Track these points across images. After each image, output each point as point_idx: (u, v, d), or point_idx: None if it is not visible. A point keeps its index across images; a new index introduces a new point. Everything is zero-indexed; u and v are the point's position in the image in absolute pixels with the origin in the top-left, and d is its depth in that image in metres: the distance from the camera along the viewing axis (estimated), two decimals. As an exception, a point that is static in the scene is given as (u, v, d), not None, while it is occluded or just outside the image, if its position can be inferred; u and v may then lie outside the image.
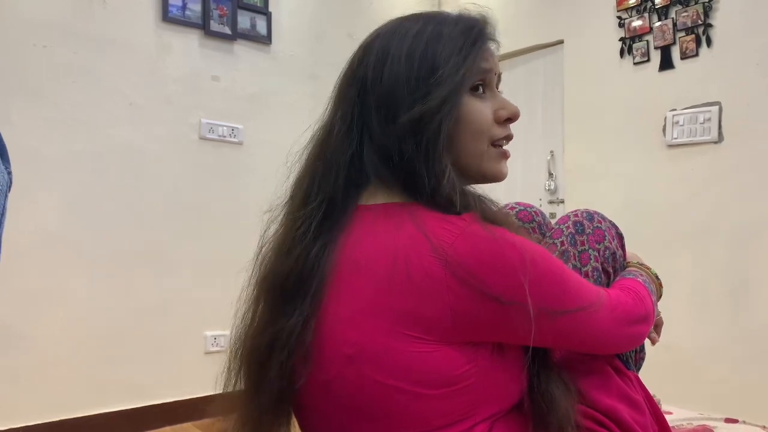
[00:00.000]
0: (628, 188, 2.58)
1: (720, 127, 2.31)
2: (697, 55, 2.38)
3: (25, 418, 2.16)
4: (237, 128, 2.69)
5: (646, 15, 2.53)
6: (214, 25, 2.62)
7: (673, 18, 2.44)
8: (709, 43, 2.35)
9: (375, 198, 0.77)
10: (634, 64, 2.58)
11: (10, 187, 1.26)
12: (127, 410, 2.38)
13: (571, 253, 1.00)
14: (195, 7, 2.57)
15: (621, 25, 2.62)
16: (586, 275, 0.99)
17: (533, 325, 0.67)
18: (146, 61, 2.46)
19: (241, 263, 3.03)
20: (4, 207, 1.17)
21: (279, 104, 2.85)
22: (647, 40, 2.53)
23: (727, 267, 2.29)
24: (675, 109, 2.43)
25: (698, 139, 2.36)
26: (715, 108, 2.32)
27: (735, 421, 1.95)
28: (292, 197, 0.88)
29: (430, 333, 0.66)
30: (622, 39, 2.62)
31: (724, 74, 2.30)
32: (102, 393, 2.34)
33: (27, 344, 2.18)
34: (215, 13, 2.62)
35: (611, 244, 1.04)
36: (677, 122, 2.42)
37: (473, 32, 0.78)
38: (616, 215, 2.66)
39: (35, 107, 2.21)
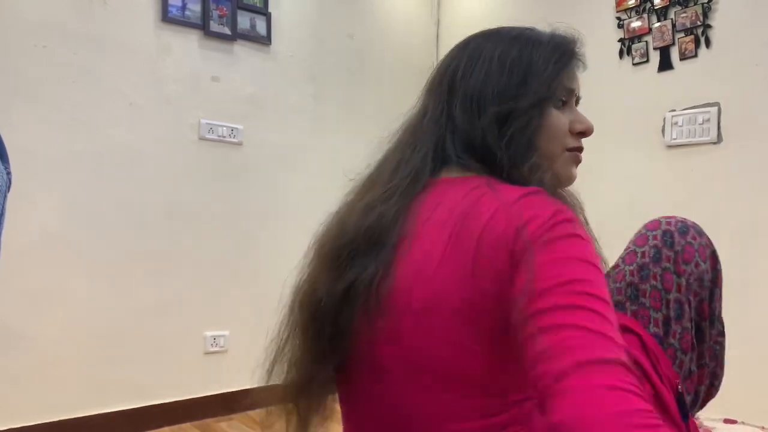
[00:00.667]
0: (628, 189, 2.58)
1: (719, 127, 2.31)
2: (696, 56, 2.38)
3: (24, 419, 2.17)
4: (236, 129, 2.70)
5: (645, 16, 2.53)
6: (214, 26, 2.62)
7: (672, 19, 2.44)
8: (708, 43, 2.35)
9: (453, 174, 0.82)
10: (633, 64, 2.58)
11: (9, 187, 1.26)
12: (126, 410, 2.38)
13: (652, 272, 0.93)
14: (195, 8, 2.57)
15: (620, 26, 2.62)
16: (668, 305, 0.93)
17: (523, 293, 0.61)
18: (146, 61, 2.46)
19: (242, 263, 3.04)
20: (3, 207, 1.17)
21: (279, 105, 2.85)
22: (646, 41, 2.54)
23: (726, 268, 2.28)
24: (674, 110, 2.44)
25: (697, 139, 2.36)
26: (714, 109, 2.32)
27: (734, 421, 1.95)
28: (379, 171, 0.91)
29: (496, 282, 0.65)
30: (621, 40, 2.62)
31: (723, 75, 2.31)
32: (102, 393, 2.34)
33: (27, 344, 2.18)
34: (215, 13, 2.62)
35: (701, 266, 0.96)
36: (676, 123, 2.42)
37: (567, 50, 0.86)
38: (616, 216, 2.66)
39: (35, 108, 2.21)
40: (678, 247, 0.94)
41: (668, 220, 0.97)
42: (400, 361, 0.72)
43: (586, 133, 0.86)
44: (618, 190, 2.60)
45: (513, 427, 0.70)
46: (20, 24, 2.18)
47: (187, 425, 2.50)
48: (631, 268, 0.97)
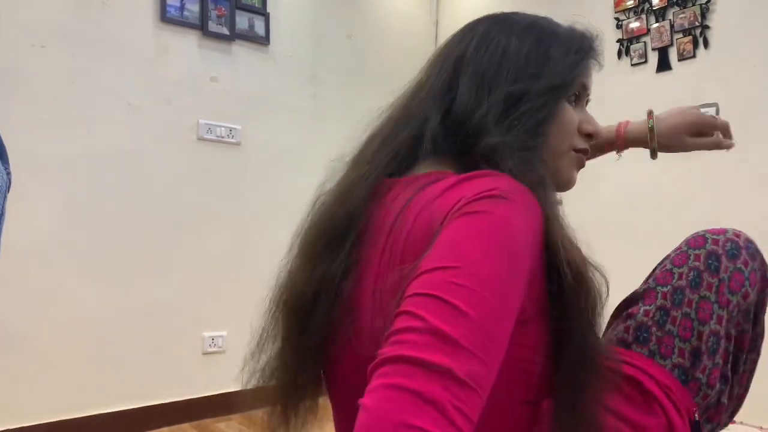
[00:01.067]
0: (627, 189, 2.59)
1: (717, 128, 2.31)
2: (694, 56, 2.39)
3: (23, 419, 2.16)
4: (235, 129, 2.70)
5: (643, 16, 2.54)
6: (213, 26, 2.62)
7: (670, 20, 2.45)
8: (706, 44, 2.35)
9: (426, 168, 0.76)
10: (632, 65, 2.59)
11: (9, 187, 1.26)
12: (125, 411, 2.38)
13: (687, 298, 0.84)
14: (193, 8, 2.57)
15: (619, 27, 2.63)
16: (700, 337, 0.82)
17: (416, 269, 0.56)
18: (144, 61, 2.46)
19: (240, 263, 3.03)
20: (3, 207, 1.17)
21: (277, 105, 2.85)
22: (645, 42, 2.54)
23: (724, 268, 2.30)
24: (672, 111, 2.44)
25: (695, 140, 2.37)
26: (713, 109, 2.31)
27: (732, 422, 1.95)
28: (363, 150, 0.88)
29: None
30: (619, 40, 2.63)
31: (722, 76, 2.31)
32: (100, 393, 2.33)
33: (26, 345, 2.18)
34: (213, 13, 2.62)
35: (750, 296, 0.84)
36: (675, 123, 2.42)
37: (585, 44, 0.82)
38: (615, 217, 2.67)
39: (33, 108, 2.21)
40: (724, 275, 0.83)
41: (716, 237, 0.87)
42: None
43: (594, 135, 0.82)
44: (618, 190, 2.60)
45: None
46: (19, 24, 2.17)
47: (185, 425, 2.50)
48: (665, 290, 0.88)
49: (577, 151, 0.80)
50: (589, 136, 0.81)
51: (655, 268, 0.99)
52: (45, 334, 2.22)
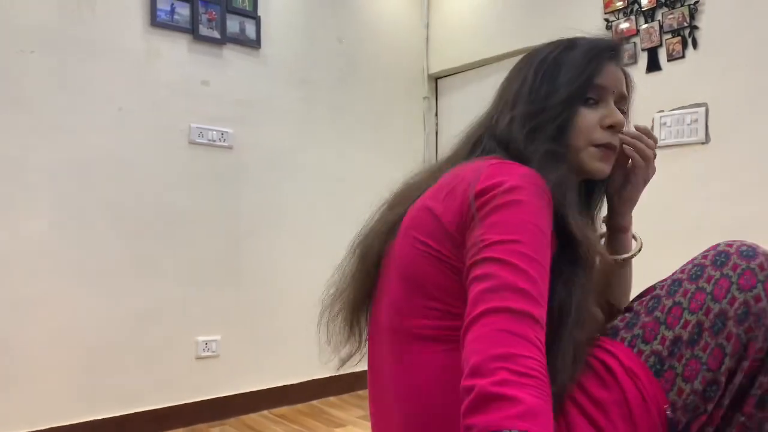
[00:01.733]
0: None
1: (707, 128, 2.33)
2: (683, 56, 2.41)
3: (15, 427, 2.15)
4: (227, 132, 2.69)
5: (632, 17, 2.55)
6: (203, 30, 2.62)
7: (659, 20, 2.46)
8: (695, 44, 2.37)
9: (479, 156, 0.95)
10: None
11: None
12: (118, 417, 2.37)
13: (683, 289, 0.87)
14: (183, 12, 2.56)
15: (608, 27, 2.64)
16: (685, 326, 0.83)
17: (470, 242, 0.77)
18: (135, 66, 2.45)
19: (233, 267, 3.03)
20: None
21: (269, 108, 2.85)
22: (634, 42, 2.56)
23: (715, 266, 2.31)
24: (663, 111, 2.45)
25: (686, 140, 2.38)
26: (702, 109, 2.34)
27: None
28: (433, 164, 1.05)
29: (450, 224, 0.81)
30: (609, 41, 2.64)
31: (710, 76, 2.33)
32: (92, 400, 2.32)
33: (15, 352, 2.16)
34: (204, 17, 2.62)
35: (761, 300, 0.80)
36: (665, 123, 2.44)
37: (593, 53, 0.94)
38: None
39: (22, 114, 2.20)
40: (731, 271, 0.82)
41: (730, 242, 0.87)
42: (395, 270, 0.89)
43: (615, 126, 0.93)
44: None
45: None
46: (7, 30, 2.16)
47: (179, 431, 2.49)
48: (664, 283, 0.92)
49: (597, 145, 0.93)
50: (611, 127, 0.93)
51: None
52: (34, 341, 2.20)
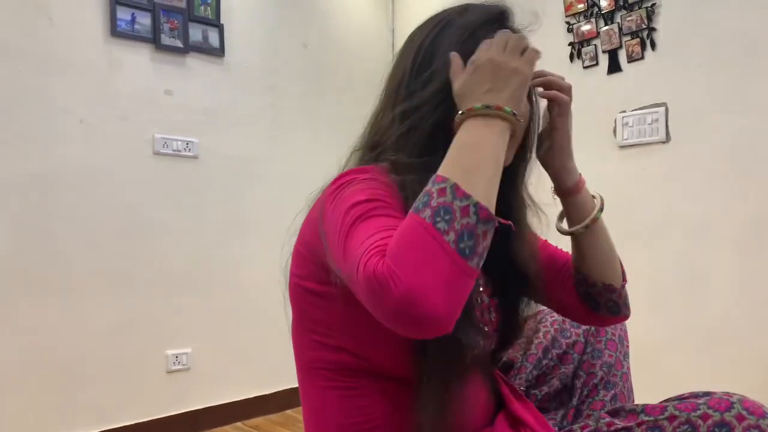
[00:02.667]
0: (583, 189, 2.64)
1: (667, 127, 2.38)
2: (642, 58, 2.46)
3: (-21, 450, 2.08)
4: (192, 142, 2.66)
5: (593, 20, 2.60)
6: (165, 39, 2.58)
7: (618, 23, 2.51)
8: (653, 46, 2.42)
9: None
10: (584, 67, 2.65)
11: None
12: (87, 435, 2.31)
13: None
14: (144, 21, 2.53)
15: (570, 30, 2.68)
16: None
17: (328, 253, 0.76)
18: (96, 77, 2.41)
19: (202, 278, 2.98)
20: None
21: (234, 116, 2.82)
22: (595, 45, 2.60)
23: (679, 262, 2.36)
24: (624, 111, 2.50)
25: (647, 139, 2.43)
26: (662, 109, 2.39)
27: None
28: None
29: (308, 249, 0.83)
30: (571, 43, 2.68)
31: (669, 76, 2.38)
32: (61, 418, 2.27)
33: (-21, 373, 2.10)
34: (166, 26, 2.58)
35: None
36: (627, 123, 2.49)
37: (471, 27, 0.82)
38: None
39: (-20, 127, 2.14)
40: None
41: (738, 414, 0.76)
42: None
43: None
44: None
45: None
46: (-39, 42, 2.11)
47: (151, 447, 2.44)
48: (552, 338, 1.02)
49: None
50: None
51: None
52: (-1, 360, 2.15)
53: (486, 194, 0.64)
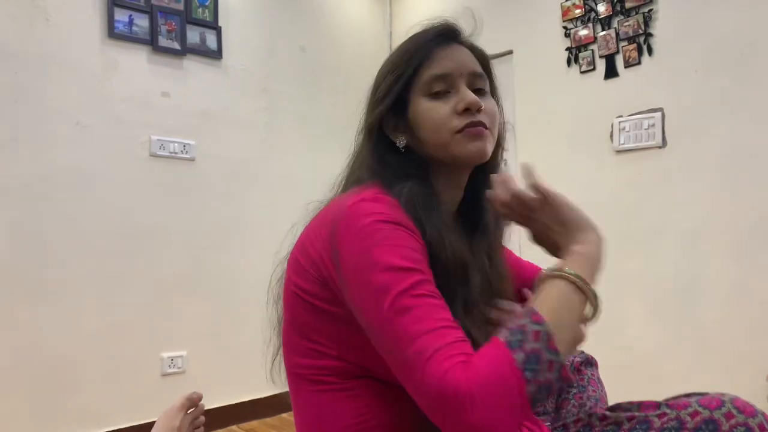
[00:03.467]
0: (580, 193, 2.62)
1: (663, 132, 2.39)
2: (639, 63, 2.46)
3: (-29, 453, 2.07)
4: (189, 144, 2.65)
5: (590, 25, 2.61)
6: (163, 41, 2.58)
7: (615, 28, 2.52)
8: (650, 51, 2.43)
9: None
10: (581, 72, 2.65)
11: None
12: (81, 438, 2.30)
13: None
14: (142, 23, 2.53)
15: (567, 35, 2.69)
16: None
17: (353, 307, 0.76)
18: (93, 79, 2.40)
19: (197, 280, 2.97)
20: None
21: (231, 119, 2.82)
22: (592, 50, 2.61)
23: (676, 267, 2.36)
24: (621, 116, 2.51)
25: (644, 144, 2.44)
26: (658, 114, 2.40)
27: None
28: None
29: (312, 266, 0.83)
30: (568, 48, 2.69)
31: (666, 81, 2.39)
32: (55, 422, 2.25)
33: (-28, 375, 2.09)
34: (163, 28, 2.58)
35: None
36: (623, 128, 2.49)
37: (415, 45, 0.92)
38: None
39: (-25, 128, 2.13)
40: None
41: (728, 412, 0.76)
42: (284, 310, 0.92)
43: (469, 108, 0.86)
44: (569, 195, 2.64)
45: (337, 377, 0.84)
46: (-43, 42, 2.10)
47: (146, 450, 2.43)
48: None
49: (460, 130, 0.86)
50: (466, 110, 0.87)
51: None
52: (-7, 362, 2.13)
53: (566, 356, 0.69)
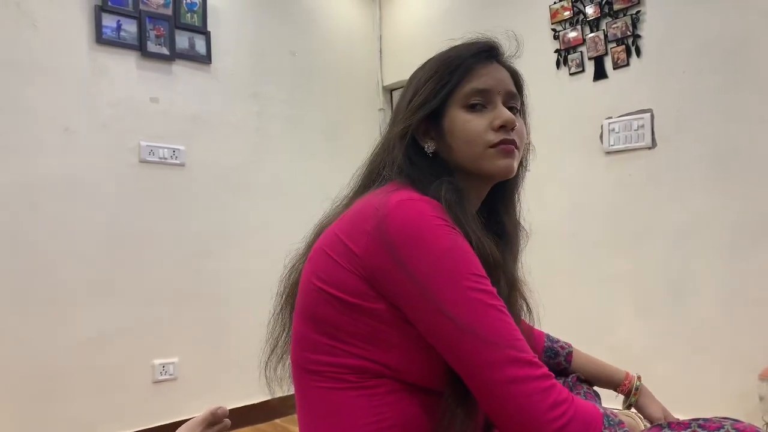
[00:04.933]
0: (571, 194, 2.65)
1: (653, 133, 2.40)
2: (628, 64, 2.48)
3: (-40, 464, 2.05)
4: (178, 149, 2.64)
5: (579, 27, 2.62)
6: (151, 46, 2.57)
7: (604, 30, 2.53)
8: (638, 53, 2.44)
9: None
10: (570, 74, 2.66)
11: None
12: (72, 447, 2.28)
13: None
14: (130, 29, 2.51)
15: (556, 38, 2.70)
16: None
17: (422, 307, 0.77)
18: (80, 85, 2.39)
19: (188, 287, 2.96)
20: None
21: (221, 123, 2.81)
22: (581, 51, 2.62)
23: (666, 267, 2.37)
24: (611, 117, 2.52)
25: (633, 145, 2.45)
26: (647, 115, 2.41)
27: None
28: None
29: (349, 261, 0.82)
30: (557, 51, 2.70)
31: (654, 82, 2.40)
32: (44, 431, 2.23)
33: (-39, 385, 2.07)
34: (152, 33, 2.57)
35: None
36: (613, 129, 2.50)
37: (459, 58, 0.94)
38: (561, 220, 2.72)
39: (-38, 136, 2.11)
40: None
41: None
42: (297, 306, 0.91)
43: (505, 125, 0.91)
44: (560, 196, 2.66)
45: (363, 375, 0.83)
46: (-57, 49, 2.08)
47: (138, 458, 2.42)
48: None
49: (493, 146, 0.90)
50: (502, 127, 0.91)
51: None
52: (-18, 372, 2.11)
53: None
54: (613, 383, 1.20)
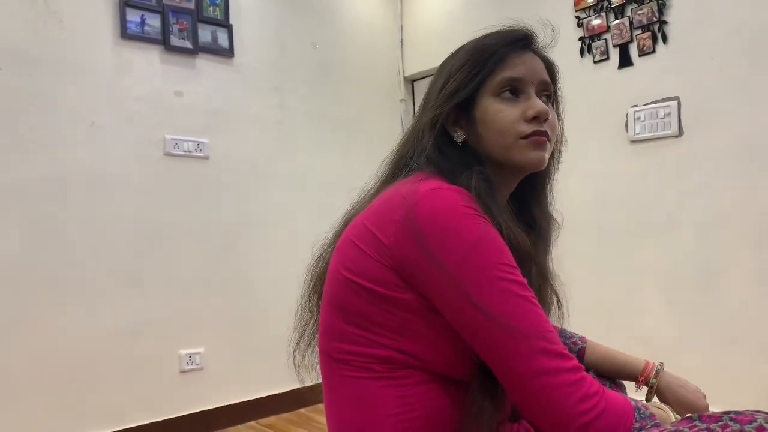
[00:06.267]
0: (596, 184, 2.62)
1: (680, 121, 2.36)
2: (654, 51, 2.43)
3: (-4, 451, 2.10)
4: (202, 142, 2.67)
5: (603, 14, 2.58)
6: (175, 40, 2.59)
7: (629, 16, 2.49)
8: (665, 39, 2.40)
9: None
10: (594, 62, 2.62)
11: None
12: (102, 436, 2.33)
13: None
14: (154, 23, 2.54)
15: (579, 25, 2.66)
16: None
17: (451, 297, 0.76)
18: (106, 80, 2.42)
19: (214, 278, 2.99)
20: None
21: (244, 117, 2.83)
22: (606, 39, 2.58)
23: (694, 257, 2.34)
24: (636, 105, 2.48)
25: (659, 133, 2.41)
26: (674, 103, 2.37)
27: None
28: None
29: (378, 251, 0.81)
30: (581, 38, 2.66)
31: (681, 69, 2.36)
32: (75, 420, 2.28)
33: (-5, 374, 2.12)
34: (175, 27, 2.59)
35: None
36: (638, 118, 2.47)
37: (493, 46, 0.91)
38: (586, 211, 2.69)
39: (-7, 131, 2.16)
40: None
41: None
42: (325, 295, 0.91)
43: (538, 116, 0.89)
44: (585, 185, 2.63)
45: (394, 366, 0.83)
46: (-27, 46, 2.12)
47: (166, 447, 2.46)
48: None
49: (525, 137, 0.88)
50: (535, 118, 0.88)
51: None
52: (14, 363, 2.16)
53: None
54: (632, 376, 1.18)
